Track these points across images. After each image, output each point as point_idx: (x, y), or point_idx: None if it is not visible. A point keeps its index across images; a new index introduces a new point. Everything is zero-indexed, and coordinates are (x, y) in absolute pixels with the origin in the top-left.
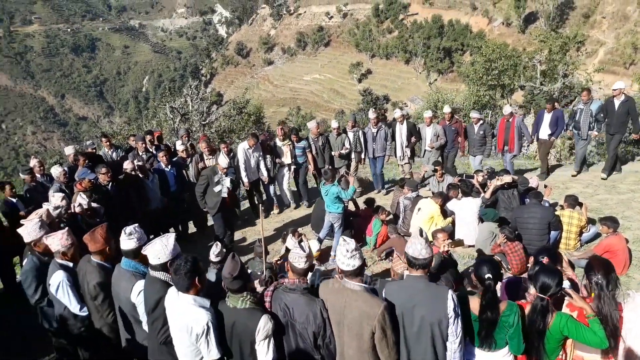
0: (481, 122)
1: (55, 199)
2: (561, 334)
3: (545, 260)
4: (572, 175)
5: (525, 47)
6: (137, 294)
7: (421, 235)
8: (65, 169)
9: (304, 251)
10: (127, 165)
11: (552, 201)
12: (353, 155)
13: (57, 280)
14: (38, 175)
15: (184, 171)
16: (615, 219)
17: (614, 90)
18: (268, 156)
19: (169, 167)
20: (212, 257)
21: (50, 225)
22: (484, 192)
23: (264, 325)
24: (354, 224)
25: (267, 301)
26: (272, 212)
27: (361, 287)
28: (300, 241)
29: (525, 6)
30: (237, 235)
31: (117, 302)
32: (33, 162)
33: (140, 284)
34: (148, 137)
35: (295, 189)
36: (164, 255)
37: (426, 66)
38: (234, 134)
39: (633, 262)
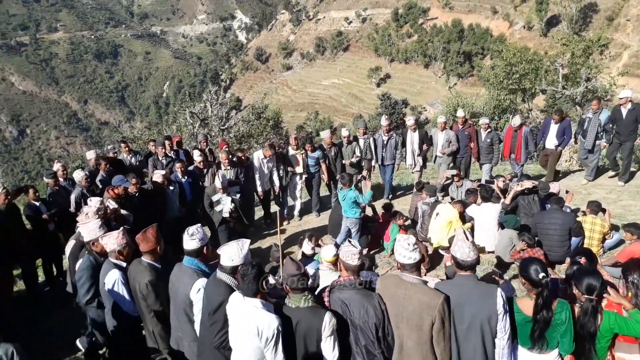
0: (489, 129)
1: (94, 202)
2: (611, 331)
3: (582, 260)
4: (582, 184)
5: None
6: (196, 291)
7: (467, 238)
8: (87, 173)
9: (356, 248)
10: (157, 177)
11: (573, 207)
12: (363, 163)
13: (113, 279)
14: (61, 180)
15: (200, 181)
16: (638, 225)
17: (621, 98)
18: (281, 165)
19: (185, 177)
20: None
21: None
22: (504, 197)
23: (329, 321)
24: (372, 229)
25: (325, 301)
26: (284, 223)
27: (419, 280)
28: (317, 245)
29: (547, 9)
30: (254, 241)
31: (172, 300)
32: (57, 167)
33: (201, 282)
34: (167, 142)
35: (309, 198)
36: (237, 258)
37: (446, 70)
38: (252, 138)
39: None
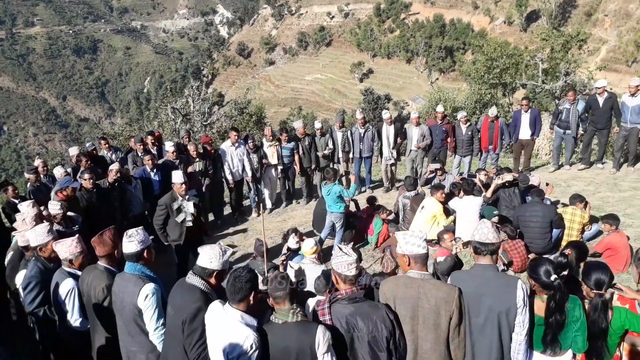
0: (468, 123)
1: (24, 206)
2: (622, 328)
3: (568, 251)
4: (579, 169)
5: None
6: (144, 298)
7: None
8: (67, 170)
9: (350, 256)
10: (113, 166)
11: (553, 199)
12: (341, 155)
13: (67, 289)
14: (42, 176)
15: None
16: (616, 216)
17: (598, 88)
18: (254, 155)
19: (155, 171)
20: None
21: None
22: (486, 191)
23: (323, 336)
24: (355, 224)
25: (326, 319)
26: (251, 215)
27: (429, 274)
28: (301, 240)
29: (527, 4)
30: (238, 235)
31: (119, 313)
32: (37, 162)
33: (148, 287)
34: (149, 138)
35: (285, 190)
36: (217, 262)
37: (428, 65)
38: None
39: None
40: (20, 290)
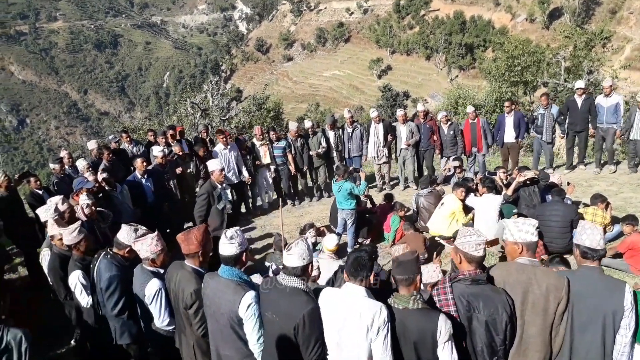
0: (450, 122)
1: (54, 202)
2: None
3: None
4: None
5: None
6: (246, 308)
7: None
8: (90, 162)
9: (480, 237)
10: (90, 177)
11: (574, 199)
12: (334, 154)
13: (154, 289)
14: (67, 167)
15: (163, 180)
16: (635, 217)
17: (578, 89)
18: (248, 157)
19: (145, 177)
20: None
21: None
22: (506, 189)
23: (444, 324)
24: (372, 220)
25: (447, 299)
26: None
27: (538, 262)
28: (319, 234)
29: (550, 1)
30: (256, 230)
31: (212, 317)
32: (63, 153)
33: (249, 296)
34: (170, 132)
35: (281, 190)
36: (307, 256)
37: (447, 62)
38: (253, 129)
39: None
40: (103, 292)
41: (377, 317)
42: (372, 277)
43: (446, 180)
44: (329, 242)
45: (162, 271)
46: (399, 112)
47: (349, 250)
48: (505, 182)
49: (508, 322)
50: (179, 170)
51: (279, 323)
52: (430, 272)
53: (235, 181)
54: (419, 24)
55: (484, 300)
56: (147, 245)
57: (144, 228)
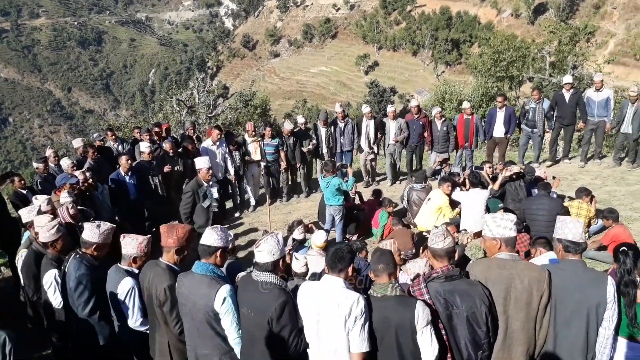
0: (443, 119)
1: (40, 200)
2: None
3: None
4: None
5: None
6: (222, 302)
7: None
8: (74, 161)
9: (441, 229)
10: (80, 177)
11: (560, 192)
12: (326, 151)
13: (127, 288)
14: (52, 165)
15: (148, 176)
16: (612, 209)
17: (566, 84)
18: (236, 153)
19: (129, 174)
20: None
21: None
22: (493, 183)
23: (422, 310)
24: (360, 216)
25: (425, 299)
26: (236, 214)
27: (518, 256)
28: (308, 231)
29: None
30: (242, 226)
31: (187, 316)
32: (49, 152)
33: (224, 290)
34: (156, 129)
35: (270, 188)
36: (278, 252)
37: (434, 58)
38: (240, 126)
39: None
40: (72, 292)
41: (354, 306)
42: (350, 270)
43: (434, 174)
44: (318, 238)
45: (137, 271)
46: (389, 109)
47: None
48: (490, 176)
49: (488, 313)
50: (167, 168)
51: (253, 318)
52: (421, 267)
53: (221, 177)
54: (406, 20)
55: (460, 295)
56: (136, 242)
57: (110, 224)
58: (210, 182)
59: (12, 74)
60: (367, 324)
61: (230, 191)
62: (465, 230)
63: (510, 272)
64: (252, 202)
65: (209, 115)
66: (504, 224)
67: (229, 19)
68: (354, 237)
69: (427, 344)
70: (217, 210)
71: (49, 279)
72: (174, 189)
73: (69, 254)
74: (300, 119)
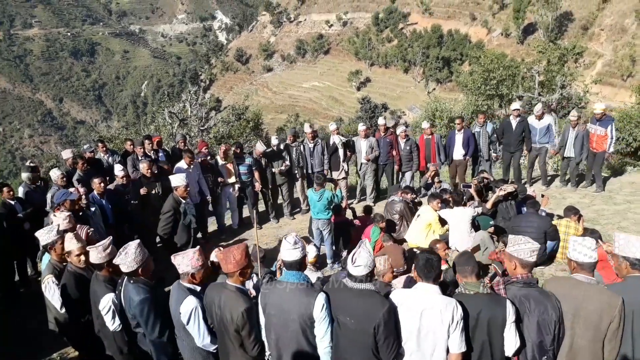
0: (407, 138)
1: (60, 218)
2: None
3: None
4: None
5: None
6: (321, 308)
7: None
8: (64, 172)
9: (534, 244)
10: (81, 189)
11: (548, 210)
12: (296, 171)
13: (190, 308)
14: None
15: (124, 201)
16: (593, 230)
17: (513, 110)
18: (209, 175)
19: (104, 198)
20: None
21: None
22: (480, 199)
23: (511, 307)
24: (351, 232)
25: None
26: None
27: (595, 281)
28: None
29: (524, 17)
30: (233, 241)
31: (277, 327)
32: (67, 155)
33: (323, 296)
34: (147, 142)
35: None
36: (371, 261)
37: (425, 75)
38: (232, 139)
39: None
40: (138, 318)
41: (455, 311)
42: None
43: (427, 188)
44: (309, 253)
45: (199, 288)
46: (360, 127)
47: (329, 261)
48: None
49: (557, 322)
50: (143, 191)
51: (354, 325)
52: (382, 263)
53: (196, 201)
54: (398, 37)
55: (535, 300)
56: (188, 259)
57: (107, 239)
58: (187, 199)
59: (3, 83)
60: (464, 326)
61: (210, 210)
62: (456, 248)
63: (583, 294)
64: (235, 225)
65: (201, 128)
66: (580, 249)
67: (223, 33)
68: (344, 253)
69: (512, 337)
70: (196, 225)
71: (107, 303)
72: (152, 213)
73: (121, 277)
74: (274, 140)
